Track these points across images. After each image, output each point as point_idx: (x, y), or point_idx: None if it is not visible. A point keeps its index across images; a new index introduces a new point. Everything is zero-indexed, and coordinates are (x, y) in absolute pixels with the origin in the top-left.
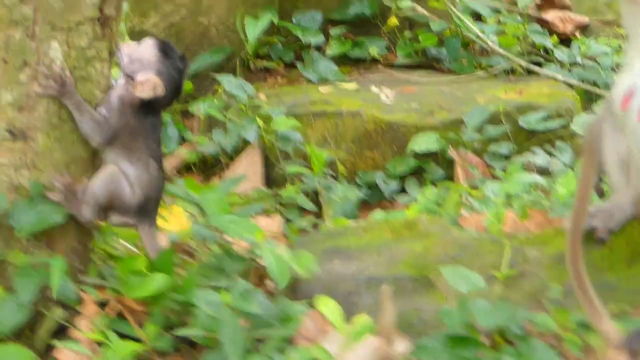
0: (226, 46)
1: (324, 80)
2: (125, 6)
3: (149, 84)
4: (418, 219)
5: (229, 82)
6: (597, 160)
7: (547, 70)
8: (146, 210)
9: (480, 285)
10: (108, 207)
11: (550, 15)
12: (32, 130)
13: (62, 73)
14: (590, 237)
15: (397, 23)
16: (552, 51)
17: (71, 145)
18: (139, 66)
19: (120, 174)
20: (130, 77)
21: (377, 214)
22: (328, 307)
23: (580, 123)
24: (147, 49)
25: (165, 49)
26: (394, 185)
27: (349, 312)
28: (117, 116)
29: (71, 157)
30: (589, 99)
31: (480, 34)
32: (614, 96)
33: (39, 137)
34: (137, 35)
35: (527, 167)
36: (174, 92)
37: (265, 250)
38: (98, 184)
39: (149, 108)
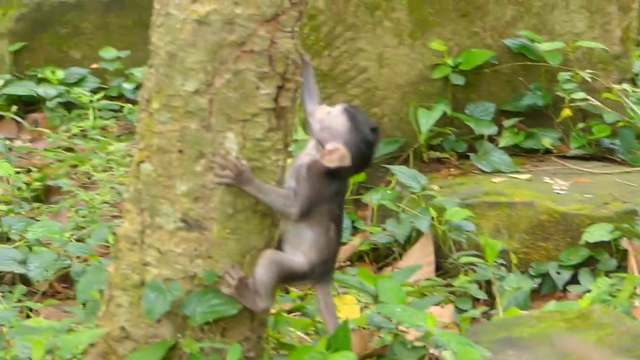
0: (399, 137)
1: (497, 171)
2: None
3: (337, 155)
4: (591, 309)
5: (402, 173)
6: None
7: None
8: (322, 271)
9: None
10: (282, 284)
11: None
12: (207, 221)
13: (237, 162)
14: None
15: (570, 114)
16: None
17: (246, 235)
18: (329, 135)
19: (279, 253)
20: (319, 144)
21: (550, 305)
22: None
23: None
24: (339, 117)
25: (356, 119)
26: (567, 275)
27: None
28: (308, 185)
29: (246, 247)
30: None
31: None
32: None
33: (214, 227)
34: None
35: None
36: (361, 163)
37: None
38: (262, 272)
39: (334, 175)
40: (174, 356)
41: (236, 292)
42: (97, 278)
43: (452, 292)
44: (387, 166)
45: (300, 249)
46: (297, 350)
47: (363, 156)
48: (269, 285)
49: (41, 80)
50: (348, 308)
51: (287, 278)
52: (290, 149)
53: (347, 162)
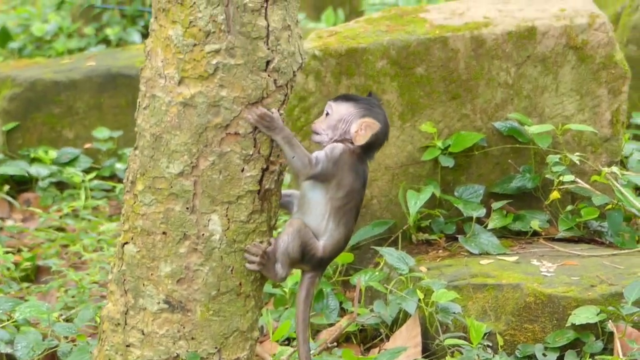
0: (388, 219)
1: (485, 253)
2: (288, 178)
3: (365, 127)
4: None
5: (391, 255)
6: None
7: None
8: (325, 264)
9: None
10: (298, 260)
11: None
12: (191, 302)
13: (265, 110)
14: None
15: (559, 196)
16: None
17: (229, 317)
18: (345, 124)
19: (306, 226)
20: (343, 140)
21: None
22: None
23: None
24: (340, 106)
25: (352, 97)
26: (553, 357)
27: None
28: (330, 166)
29: (229, 329)
30: None
31: None
32: None
33: (198, 309)
34: None
35: None
36: (385, 123)
37: None
38: (288, 241)
39: (367, 154)
40: None
41: (260, 266)
42: (81, 359)
43: None
44: (376, 247)
45: (321, 240)
46: None
47: (383, 115)
48: (291, 254)
49: (34, 160)
50: None
51: (304, 254)
52: (275, 231)
53: (377, 127)
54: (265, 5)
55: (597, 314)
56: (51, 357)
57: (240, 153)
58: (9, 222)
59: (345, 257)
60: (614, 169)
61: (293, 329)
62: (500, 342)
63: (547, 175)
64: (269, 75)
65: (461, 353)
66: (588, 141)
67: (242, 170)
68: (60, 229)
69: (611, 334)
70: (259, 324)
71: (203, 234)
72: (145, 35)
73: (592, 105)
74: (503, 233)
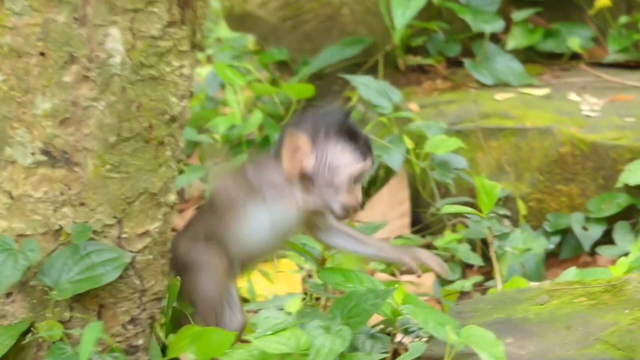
0: (364, 35)
1: (502, 84)
2: None
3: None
4: (627, 279)
5: (367, 86)
6: None
7: None
8: None
9: None
10: None
11: None
12: (80, 153)
13: None
14: None
15: (609, 3)
16: None
17: (135, 174)
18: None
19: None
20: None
21: (569, 273)
22: None
23: None
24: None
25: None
26: (597, 232)
27: None
28: None
29: (134, 190)
30: None
31: None
32: None
33: (89, 162)
34: (237, 21)
35: None
36: None
37: None
38: None
39: None
40: (29, 345)
41: None
42: None
43: None
44: (346, 76)
45: None
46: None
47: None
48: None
49: None
50: (285, 278)
51: None
52: (203, 52)
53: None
54: None
55: None
56: None
57: None
58: None
59: (302, 90)
60: None
61: None
62: (523, 210)
63: None
64: None
65: (466, 226)
66: None
67: None
68: None
69: None
70: (177, 184)
71: (97, 56)
72: None
73: None
74: (529, 55)
